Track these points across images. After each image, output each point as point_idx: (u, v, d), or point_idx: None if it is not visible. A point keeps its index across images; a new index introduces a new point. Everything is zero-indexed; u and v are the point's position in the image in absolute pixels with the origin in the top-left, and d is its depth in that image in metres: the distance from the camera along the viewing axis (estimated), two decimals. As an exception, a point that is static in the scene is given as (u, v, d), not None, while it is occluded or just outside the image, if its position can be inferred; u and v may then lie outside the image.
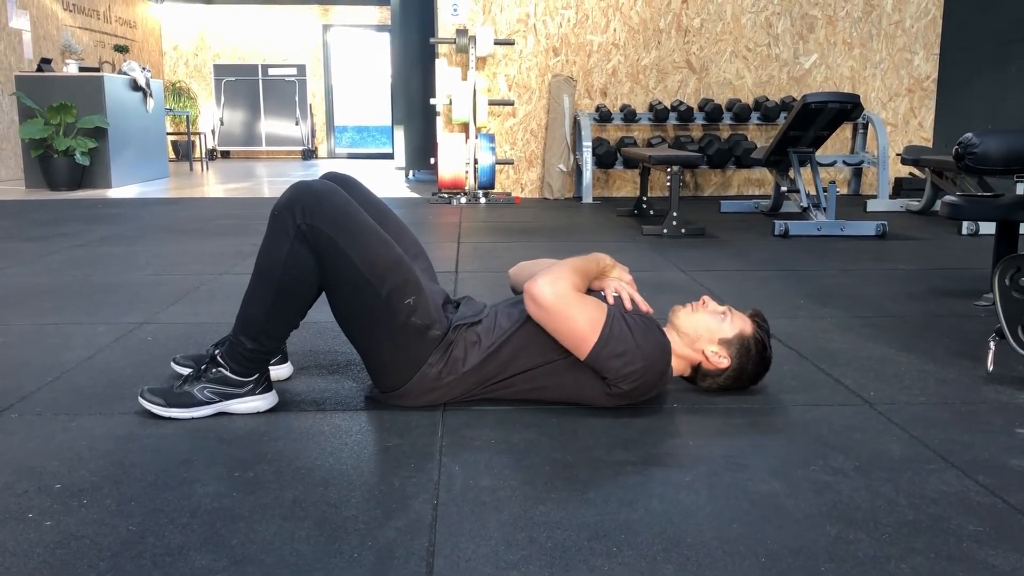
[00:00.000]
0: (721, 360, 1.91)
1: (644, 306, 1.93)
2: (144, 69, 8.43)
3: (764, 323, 1.97)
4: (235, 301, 1.89)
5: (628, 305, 1.90)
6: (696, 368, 1.96)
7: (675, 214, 4.84)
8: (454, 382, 1.86)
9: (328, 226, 1.74)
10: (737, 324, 1.92)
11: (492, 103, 6.82)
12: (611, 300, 1.90)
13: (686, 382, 2.02)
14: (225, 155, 13.00)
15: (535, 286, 1.77)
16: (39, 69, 7.66)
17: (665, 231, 4.83)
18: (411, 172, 8.98)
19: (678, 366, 1.95)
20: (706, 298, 1.99)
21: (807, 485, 1.53)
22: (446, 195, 6.68)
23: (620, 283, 1.97)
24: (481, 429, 1.79)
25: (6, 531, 1.34)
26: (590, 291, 1.93)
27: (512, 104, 6.94)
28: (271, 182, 8.68)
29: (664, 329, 1.94)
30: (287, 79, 12.53)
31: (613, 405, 1.88)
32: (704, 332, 1.92)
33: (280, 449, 1.68)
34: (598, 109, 7.03)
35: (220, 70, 12.46)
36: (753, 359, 1.93)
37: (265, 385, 1.89)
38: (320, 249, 1.74)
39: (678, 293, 2.01)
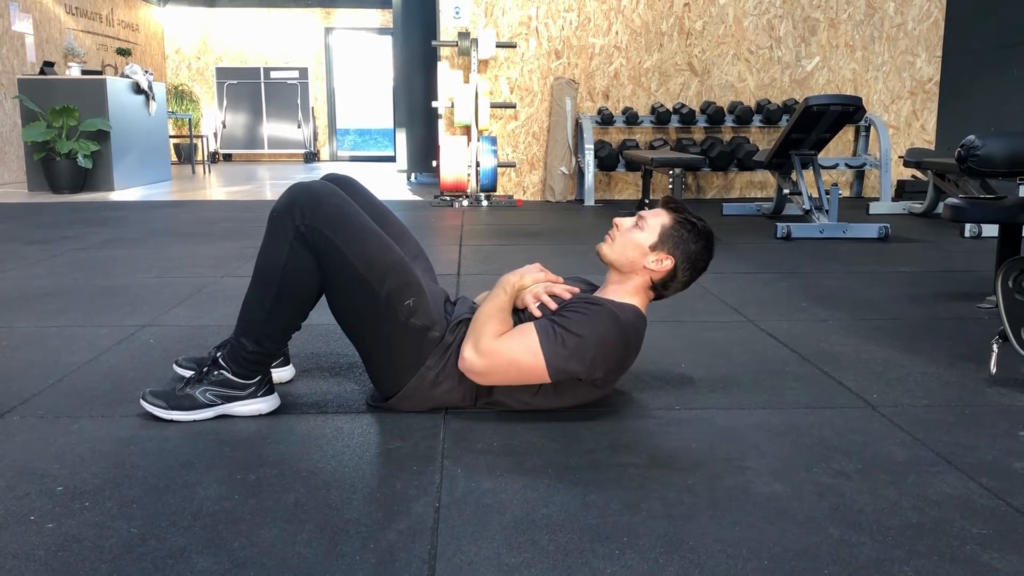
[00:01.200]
0: (664, 264, 1.87)
1: (566, 293, 1.88)
2: (146, 72, 8.44)
3: (677, 203, 1.92)
4: (237, 304, 1.89)
5: (553, 305, 1.84)
6: (653, 286, 1.90)
7: (677, 217, 4.83)
8: (451, 387, 1.85)
9: (327, 227, 1.74)
10: (655, 223, 1.88)
11: (494, 106, 6.83)
12: (537, 313, 1.84)
13: (658, 301, 1.97)
14: (227, 158, 13.02)
15: (464, 362, 1.76)
16: (42, 72, 7.68)
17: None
18: (413, 175, 8.98)
19: (640, 298, 1.90)
20: (617, 220, 1.94)
21: (810, 488, 1.52)
22: (448, 198, 6.69)
23: (535, 288, 1.90)
24: (483, 432, 1.79)
25: (8, 533, 1.34)
26: (516, 311, 1.90)
27: (514, 107, 6.95)
28: (273, 185, 8.68)
29: (606, 281, 1.92)
30: (289, 82, 12.55)
31: (609, 391, 1.87)
32: (633, 251, 1.88)
33: (282, 452, 1.68)
34: (600, 112, 7.03)
35: (222, 73, 12.47)
36: (691, 239, 1.87)
37: (267, 388, 1.89)
38: (320, 250, 1.74)
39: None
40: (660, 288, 1.92)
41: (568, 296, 1.87)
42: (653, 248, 1.87)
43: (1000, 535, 1.35)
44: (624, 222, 1.93)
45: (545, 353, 1.73)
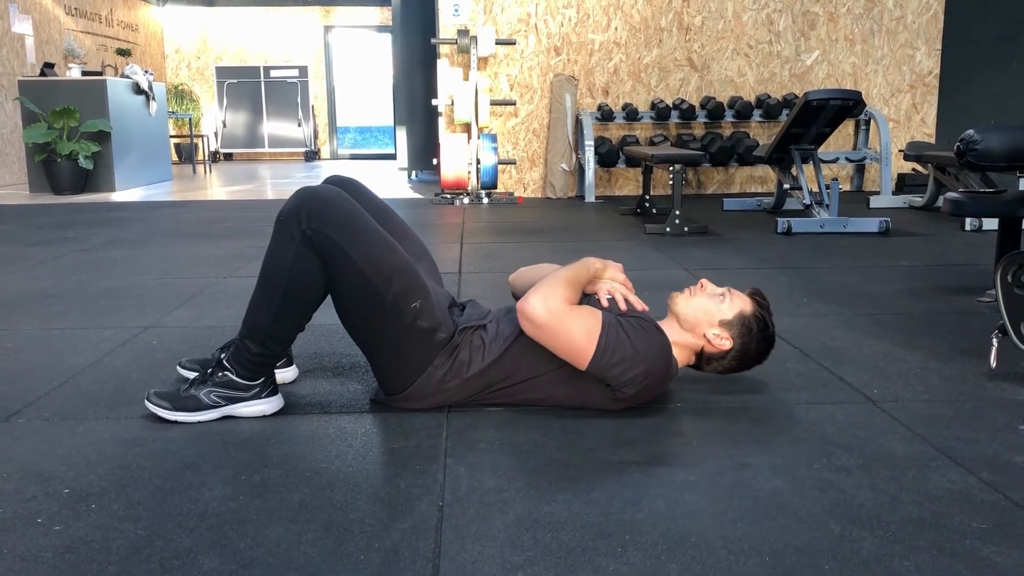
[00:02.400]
0: (723, 342, 1.89)
1: (639, 305, 1.92)
2: (146, 72, 8.45)
3: (764, 300, 1.95)
4: (240, 304, 1.90)
5: (623, 306, 1.89)
6: (700, 353, 1.93)
7: (678, 212, 4.85)
8: (459, 386, 1.87)
9: (333, 231, 1.75)
10: (737, 304, 1.91)
11: (494, 103, 6.83)
12: (605, 303, 1.89)
13: (692, 369, 2.00)
14: (228, 157, 13.02)
15: (527, 305, 1.76)
16: (42, 73, 7.68)
17: (668, 229, 4.83)
18: (414, 173, 8.99)
19: (682, 355, 1.92)
20: (704, 281, 1.97)
21: (811, 483, 1.53)
22: (449, 195, 6.69)
23: (613, 284, 1.95)
24: (486, 430, 1.80)
25: (15, 536, 1.35)
26: (584, 295, 1.93)
27: (514, 104, 6.95)
28: (274, 184, 8.69)
29: (665, 320, 1.94)
30: (289, 81, 12.55)
31: (620, 408, 1.88)
32: (704, 316, 1.90)
33: (286, 452, 1.69)
34: (600, 108, 7.03)
35: (222, 72, 12.48)
36: (756, 337, 1.90)
37: (271, 388, 1.90)
38: (326, 254, 1.75)
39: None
40: (702, 361, 1.95)
41: (639, 309, 1.91)
42: (723, 324, 1.89)
43: (1000, 529, 1.36)
44: (710, 286, 1.96)
45: (599, 345, 1.75)
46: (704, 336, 1.90)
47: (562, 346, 1.78)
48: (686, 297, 1.94)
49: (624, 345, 1.77)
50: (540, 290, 1.79)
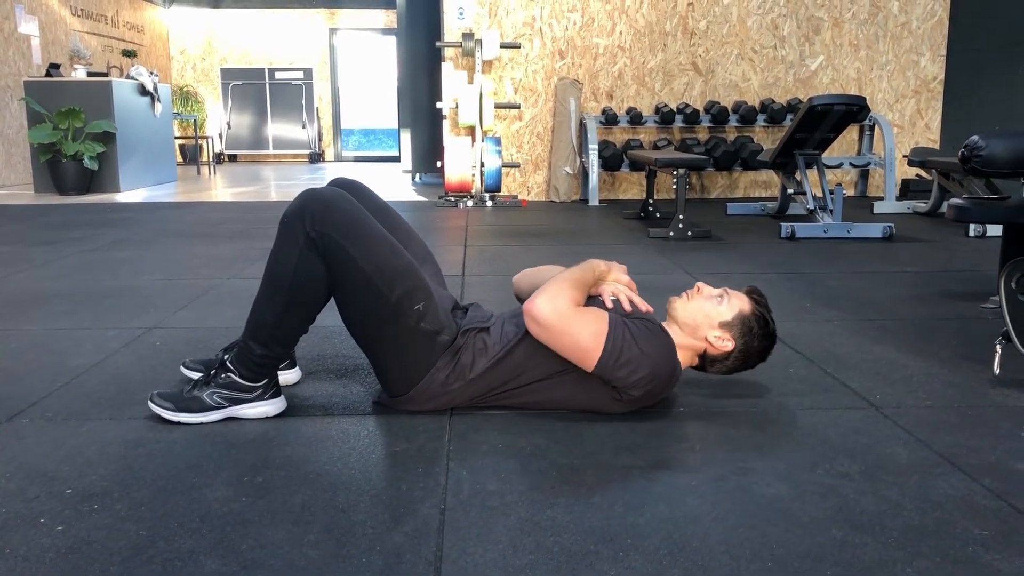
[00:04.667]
0: (725, 343, 1.89)
1: (644, 306, 1.92)
2: (152, 73, 8.47)
3: (762, 298, 1.95)
4: (244, 305, 1.90)
5: (627, 307, 1.89)
6: (703, 356, 1.94)
7: (681, 216, 4.85)
8: (461, 388, 1.87)
9: (338, 233, 1.75)
10: (735, 304, 1.91)
11: (498, 106, 6.84)
12: (610, 304, 1.89)
13: (696, 371, 2.00)
14: (232, 159, 13.05)
15: (534, 306, 1.76)
16: (48, 74, 7.71)
17: (671, 234, 4.83)
18: (418, 175, 9.00)
19: (685, 358, 1.93)
20: (700, 284, 1.97)
21: (813, 489, 1.53)
22: (453, 198, 6.70)
23: (617, 286, 1.95)
24: (488, 433, 1.80)
25: (18, 536, 1.35)
26: (588, 297, 1.93)
27: (518, 107, 6.96)
28: (278, 186, 8.71)
29: (665, 323, 1.94)
30: (294, 83, 12.58)
31: (625, 411, 1.88)
32: (703, 319, 1.90)
33: (289, 454, 1.70)
34: (604, 112, 7.04)
35: (227, 74, 12.51)
36: (757, 336, 1.90)
37: (274, 390, 1.90)
38: (330, 256, 1.76)
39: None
40: (706, 363, 1.95)
41: (644, 310, 1.91)
42: (723, 325, 1.89)
43: (1003, 536, 1.35)
44: (707, 289, 1.96)
45: (606, 347, 1.75)
46: (705, 339, 1.90)
47: (569, 347, 1.78)
48: (684, 301, 1.94)
49: (631, 347, 1.77)
50: (547, 291, 1.79)
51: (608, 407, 1.87)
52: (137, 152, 8.11)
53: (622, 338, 1.77)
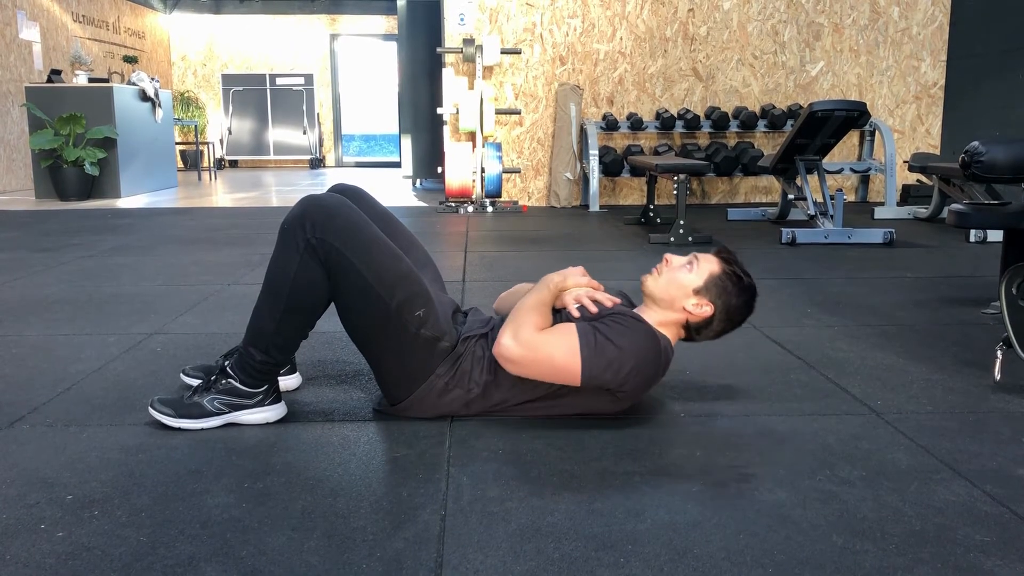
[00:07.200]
0: (704, 309, 1.87)
1: (608, 301, 1.88)
2: (153, 79, 8.49)
3: (730, 254, 1.92)
4: (244, 311, 1.90)
5: (593, 309, 1.86)
6: (687, 327, 1.91)
7: (682, 222, 4.85)
8: (460, 397, 1.86)
9: (338, 240, 1.75)
10: (705, 268, 1.89)
11: (499, 112, 6.85)
12: (576, 313, 1.85)
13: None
14: (233, 164, 13.07)
15: (501, 348, 1.76)
16: (49, 80, 7.72)
17: (672, 239, 4.84)
18: (418, 181, 9.01)
19: (671, 333, 1.91)
20: (668, 256, 1.96)
21: (814, 495, 1.53)
22: (453, 204, 6.70)
23: (577, 291, 1.91)
24: (488, 439, 1.80)
25: (18, 542, 1.35)
26: (554, 311, 1.91)
27: (519, 113, 6.97)
28: (279, 192, 8.71)
29: (642, 305, 1.93)
30: (295, 88, 12.60)
31: (628, 405, 1.88)
32: (677, 290, 1.88)
33: (289, 460, 1.69)
34: (604, 117, 7.05)
35: (228, 80, 12.54)
36: (733, 293, 1.88)
37: (274, 396, 1.90)
38: (330, 263, 1.76)
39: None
40: (692, 332, 1.92)
41: (609, 304, 1.88)
42: (697, 292, 1.87)
43: (1004, 542, 1.35)
44: (675, 259, 1.94)
45: (583, 357, 1.74)
46: (684, 309, 1.88)
47: (549, 372, 1.77)
48: (655, 277, 1.92)
49: (607, 348, 1.75)
50: (508, 328, 1.78)
51: (609, 407, 1.87)
52: (138, 158, 8.12)
53: (595, 343, 1.75)
